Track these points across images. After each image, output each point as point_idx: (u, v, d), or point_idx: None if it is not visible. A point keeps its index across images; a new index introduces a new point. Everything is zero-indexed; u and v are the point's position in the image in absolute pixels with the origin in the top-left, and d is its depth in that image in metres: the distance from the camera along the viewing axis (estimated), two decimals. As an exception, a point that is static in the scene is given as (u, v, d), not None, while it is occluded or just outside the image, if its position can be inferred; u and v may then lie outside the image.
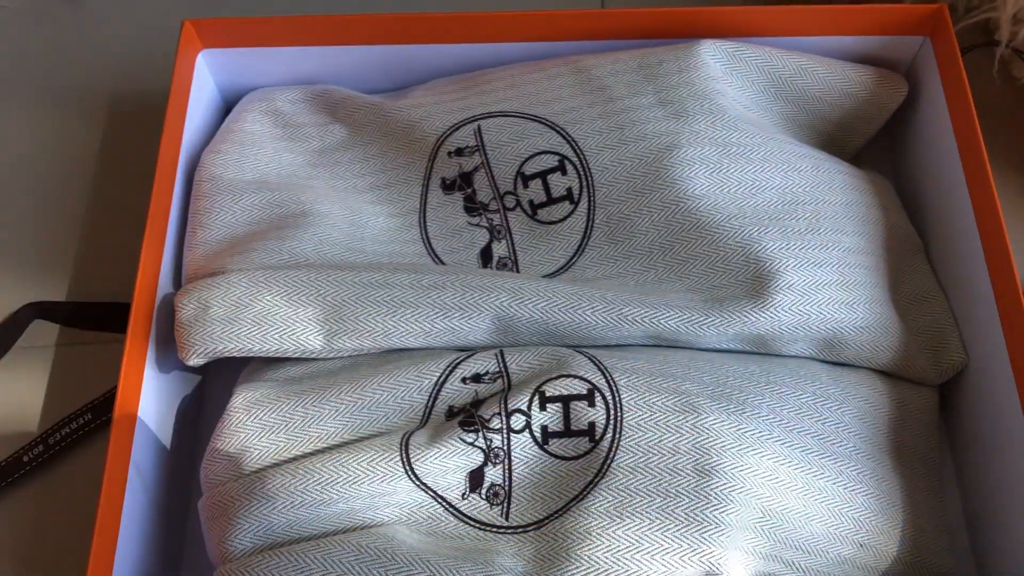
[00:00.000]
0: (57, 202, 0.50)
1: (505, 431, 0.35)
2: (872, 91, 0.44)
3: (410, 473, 0.34)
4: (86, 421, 0.43)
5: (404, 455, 0.34)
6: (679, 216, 0.39)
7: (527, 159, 0.41)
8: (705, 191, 0.39)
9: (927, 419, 0.40)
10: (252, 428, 0.36)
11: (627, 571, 0.33)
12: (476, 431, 0.35)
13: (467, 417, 0.36)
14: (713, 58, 0.42)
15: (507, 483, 0.35)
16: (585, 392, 0.36)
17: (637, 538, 0.33)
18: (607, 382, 0.36)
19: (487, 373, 0.37)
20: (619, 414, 0.35)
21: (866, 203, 0.42)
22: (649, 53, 0.42)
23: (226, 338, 0.37)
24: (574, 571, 0.33)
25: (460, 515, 0.35)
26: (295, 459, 0.35)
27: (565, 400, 0.36)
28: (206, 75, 0.45)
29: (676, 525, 0.33)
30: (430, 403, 0.36)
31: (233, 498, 0.34)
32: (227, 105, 0.48)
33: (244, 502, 0.34)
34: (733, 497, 0.34)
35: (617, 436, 0.35)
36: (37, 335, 0.46)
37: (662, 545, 0.33)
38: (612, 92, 0.41)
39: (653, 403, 0.35)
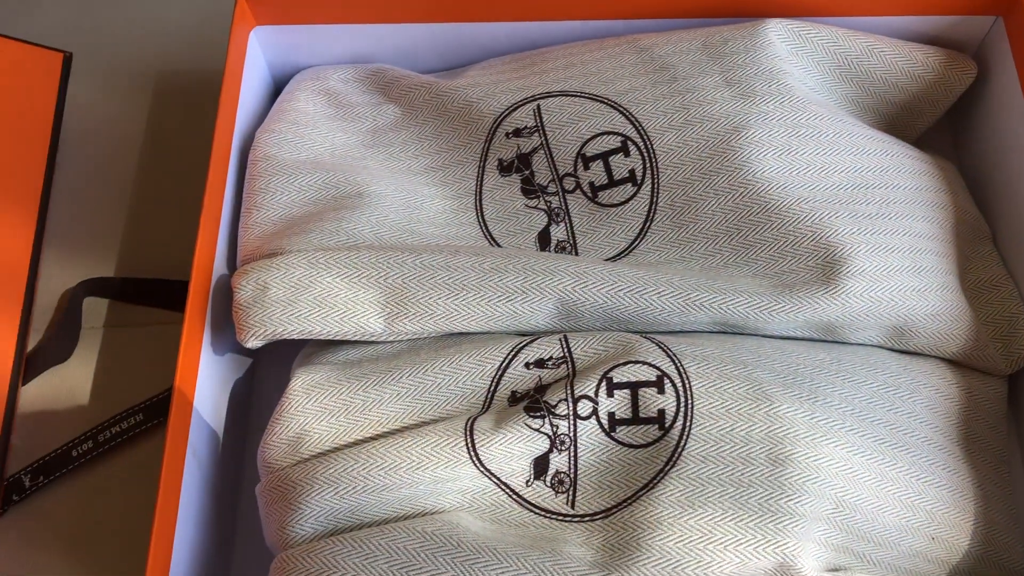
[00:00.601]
0: (105, 181, 0.49)
1: (571, 417, 0.35)
2: (940, 73, 0.43)
3: (474, 458, 0.34)
4: (138, 422, 0.43)
5: (469, 440, 0.34)
6: (747, 199, 0.38)
7: (588, 140, 0.40)
8: (774, 174, 0.38)
9: (996, 410, 0.39)
10: (312, 412, 0.35)
11: (699, 562, 0.32)
12: (542, 417, 0.34)
13: (532, 403, 0.35)
14: (779, 38, 0.41)
15: (573, 470, 0.34)
16: (654, 379, 0.35)
17: (710, 528, 0.32)
18: (676, 369, 0.35)
19: (551, 358, 0.36)
20: (690, 401, 0.34)
21: (935, 188, 0.41)
22: (714, 32, 0.41)
23: (285, 320, 0.36)
24: (645, 561, 0.32)
25: (524, 502, 0.34)
26: (356, 443, 0.35)
27: (633, 387, 0.35)
28: (258, 53, 0.45)
29: (749, 515, 0.32)
30: (492, 388, 0.36)
31: (294, 483, 0.34)
32: (277, 84, 0.47)
33: (305, 487, 0.33)
34: (807, 487, 0.33)
35: (688, 424, 0.34)
36: (87, 316, 0.46)
37: (735, 536, 0.32)
38: (676, 71, 0.40)
39: (724, 390, 0.34)
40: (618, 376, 0.35)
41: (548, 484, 0.34)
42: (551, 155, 0.41)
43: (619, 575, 0.32)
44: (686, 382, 0.35)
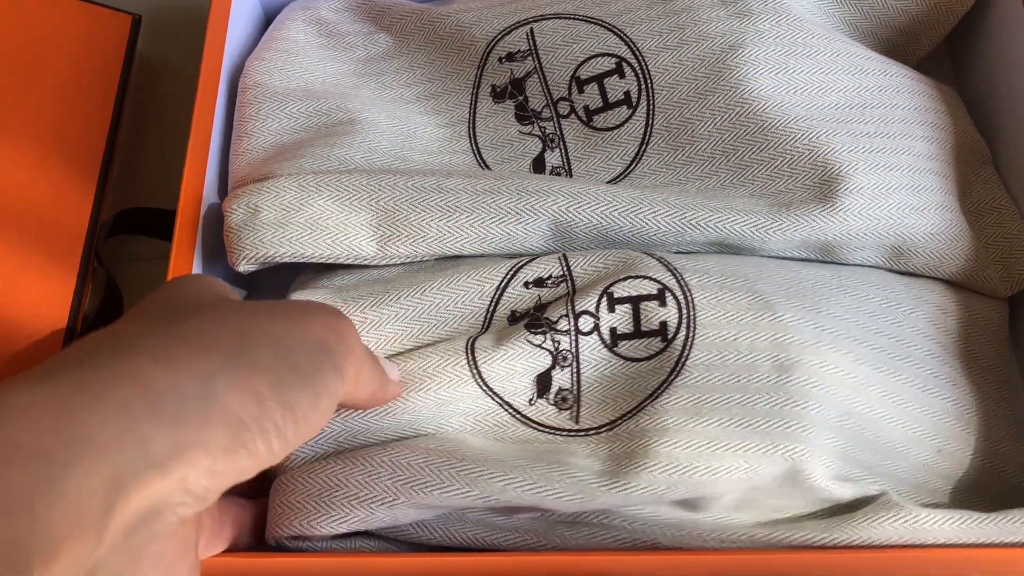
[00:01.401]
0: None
1: (573, 333, 0.34)
2: (939, -6, 0.42)
3: (477, 378, 0.33)
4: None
5: (470, 358, 0.34)
6: (743, 118, 0.37)
7: (582, 62, 0.39)
8: (771, 92, 0.37)
9: (997, 331, 0.39)
10: None
11: (708, 467, 0.31)
12: (543, 333, 0.34)
13: (533, 320, 0.34)
14: (777, -44, 0.40)
15: (575, 387, 0.34)
16: (655, 292, 0.34)
17: (717, 434, 0.32)
18: (677, 282, 0.34)
19: (550, 277, 0.36)
20: (692, 312, 0.34)
21: (935, 109, 0.40)
22: (709, -49, 0.40)
23: (277, 243, 0.35)
24: (652, 468, 0.31)
25: (528, 421, 0.34)
26: None
27: (634, 301, 0.34)
28: (247, -17, 0.44)
29: (757, 420, 0.32)
30: (492, 308, 0.35)
31: None
32: (268, 15, 0.46)
33: None
34: (813, 394, 0.32)
35: (691, 334, 0.33)
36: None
37: (743, 441, 0.32)
38: (671, -10, 0.40)
39: (727, 301, 0.34)
40: (619, 291, 0.35)
41: (551, 402, 0.34)
42: (545, 79, 0.40)
43: (627, 481, 0.31)
44: (687, 294, 0.34)
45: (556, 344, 0.34)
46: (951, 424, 0.35)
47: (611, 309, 0.34)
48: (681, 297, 0.34)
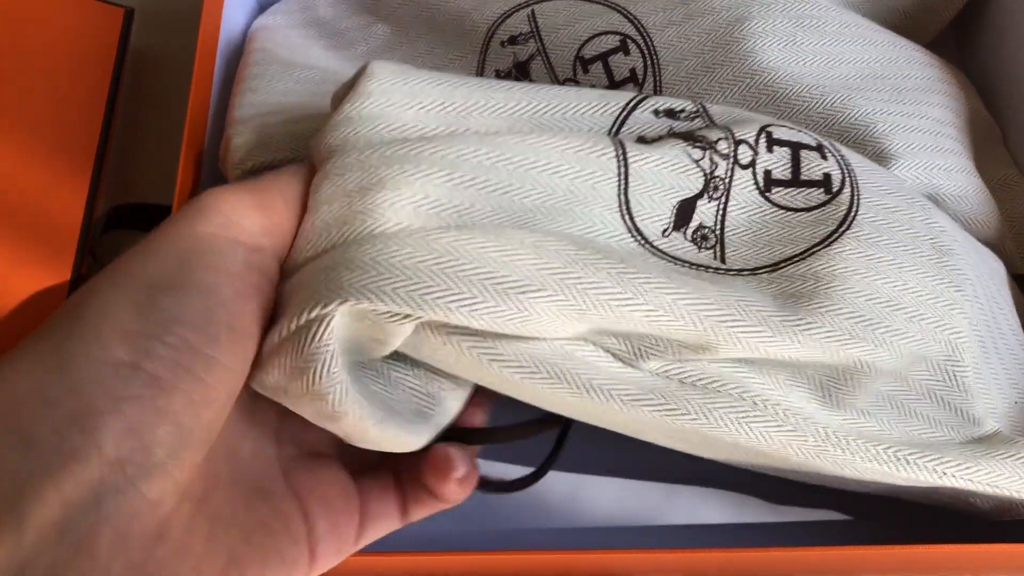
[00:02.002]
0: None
1: (732, 159, 0.31)
2: (944, -24, 0.42)
3: (622, 174, 0.29)
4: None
5: (620, 150, 0.29)
6: (753, 91, 0.37)
7: (586, 41, 0.39)
8: (780, 64, 0.37)
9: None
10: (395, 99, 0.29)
11: (888, 327, 0.28)
12: (703, 149, 0.30)
13: (689, 135, 0.31)
14: (779, -64, 0.40)
15: (719, 225, 0.30)
16: (814, 144, 0.32)
17: (892, 295, 0.29)
18: (830, 144, 0.33)
19: (683, 111, 0.32)
20: (852, 171, 0.32)
21: (947, 80, 0.40)
22: (710, -73, 0.40)
23: (286, 138, 0.33)
24: (835, 311, 0.28)
25: (661, 253, 0.29)
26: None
27: (794, 147, 0.32)
28: (242, -26, 0.43)
29: (926, 292, 0.30)
30: (616, 128, 0.31)
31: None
32: (262, 5, 0.46)
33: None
34: (963, 284, 0.31)
35: (856, 192, 0.31)
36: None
37: (918, 310, 0.29)
38: (675, -34, 0.39)
39: (877, 172, 0.33)
40: (778, 133, 0.32)
41: (689, 238, 0.30)
42: (549, 61, 0.39)
43: (811, 320, 0.28)
44: (844, 156, 0.32)
45: (713, 166, 0.30)
46: None
47: (769, 149, 0.31)
48: (839, 156, 0.32)
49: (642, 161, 0.29)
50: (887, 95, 0.37)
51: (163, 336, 0.22)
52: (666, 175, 0.29)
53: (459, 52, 0.41)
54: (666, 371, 0.28)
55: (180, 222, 0.25)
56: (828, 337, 0.28)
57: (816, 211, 0.31)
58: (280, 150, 0.33)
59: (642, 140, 0.31)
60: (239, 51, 0.43)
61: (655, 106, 0.32)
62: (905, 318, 0.29)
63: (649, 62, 0.38)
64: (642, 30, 0.38)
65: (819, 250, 0.30)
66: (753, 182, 0.31)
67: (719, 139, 0.31)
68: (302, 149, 0.32)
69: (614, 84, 0.38)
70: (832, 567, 0.31)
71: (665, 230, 0.29)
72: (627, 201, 0.29)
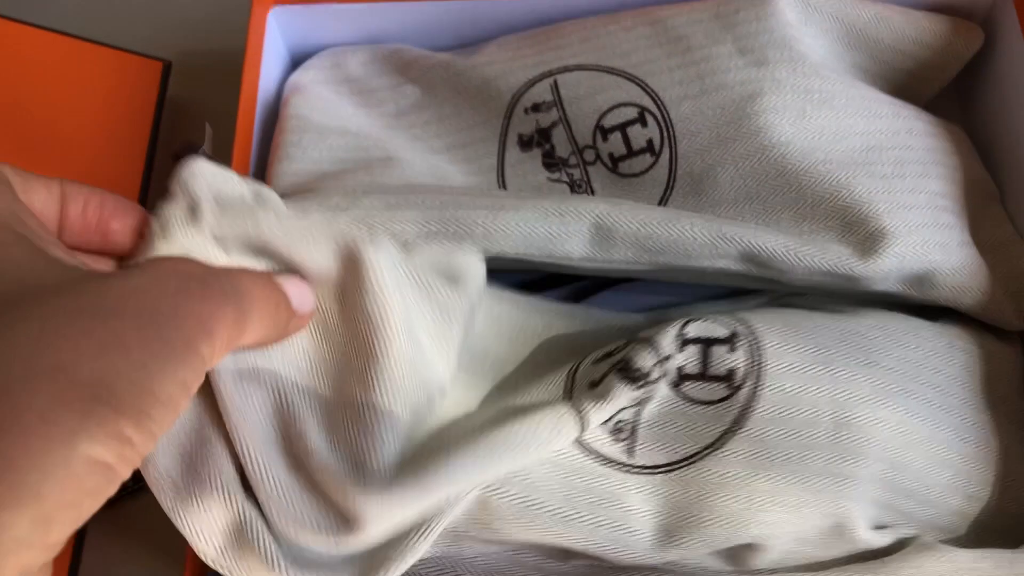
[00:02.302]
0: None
1: (660, 381, 0.35)
2: (947, 40, 0.44)
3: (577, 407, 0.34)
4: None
5: (568, 380, 0.35)
6: (765, 164, 0.39)
7: (606, 112, 0.41)
8: (790, 138, 0.39)
9: (1016, 371, 0.40)
10: None
11: (763, 522, 0.32)
12: (641, 387, 0.34)
13: (626, 372, 0.35)
14: (789, 6, 0.42)
15: (633, 419, 0.34)
16: (726, 336, 0.35)
17: (775, 491, 0.33)
18: (747, 328, 0.35)
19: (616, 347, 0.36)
20: (760, 361, 0.34)
21: (946, 149, 0.42)
22: (724, 2, 0.42)
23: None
24: (710, 523, 0.32)
25: (580, 444, 0.34)
26: None
27: (705, 343, 0.35)
28: (276, 33, 0.45)
29: (813, 478, 0.33)
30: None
31: None
32: (295, 62, 0.48)
33: None
34: (866, 451, 0.34)
35: (757, 384, 0.34)
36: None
37: (799, 498, 0.33)
38: (690, 42, 0.41)
39: (792, 353, 0.35)
40: (692, 331, 0.35)
41: (608, 431, 0.34)
42: (570, 128, 0.41)
43: (684, 536, 0.32)
44: (757, 341, 0.35)
45: (648, 392, 0.34)
46: (982, 470, 0.36)
47: (681, 348, 0.35)
48: (752, 344, 0.35)
49: (595, 412, 0.33)
50: (890, 169, 0.39)
51: None
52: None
53: (484, 116, 0.43)
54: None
55: None
56: (701, 545, 0.32)
57: (716, 406, 0.34)
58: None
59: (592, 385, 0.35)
60: (273, 103, 0.45)
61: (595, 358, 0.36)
62: (784, 510, 0.32)
63: (666, 134, 0.40)
64: (659, 103, 0.40)
65: (709, 453, 0.33)
66: (666, 379, 0.34)
67: (651, 367, 0.34)
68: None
69: (632, 153, 0.41)
70: None
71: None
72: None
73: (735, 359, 0.34)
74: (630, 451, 0.34)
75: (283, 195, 0.38)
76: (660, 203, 0.40)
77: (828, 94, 0.40)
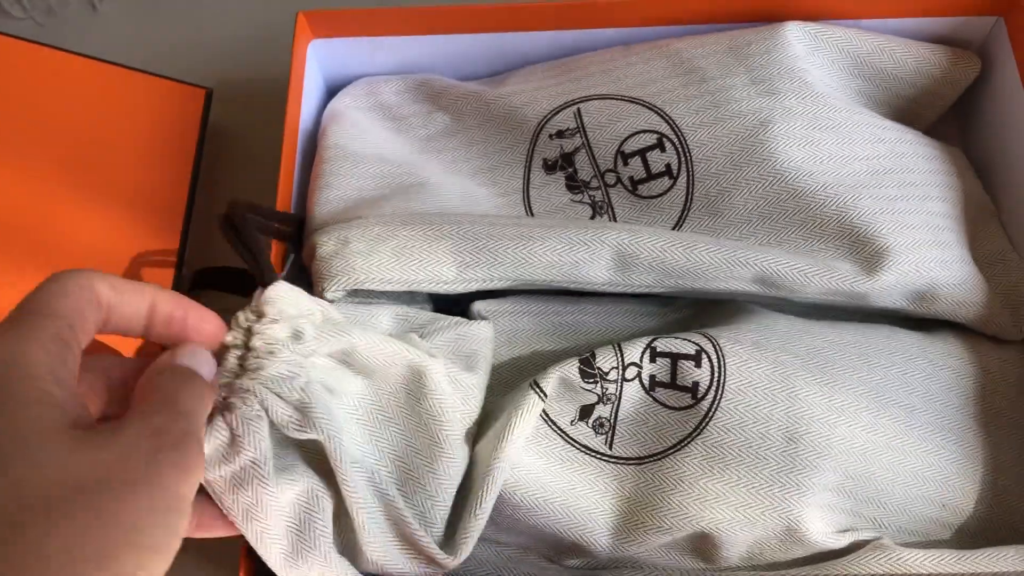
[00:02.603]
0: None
1: (620, 381, 0.39)
2: (946, 69, 0.46)
3: (537, 389, 0.38)
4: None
5: (535, 385, 0.39)
6: (775, 188, 0.41)
7: (626, 138, 0.44)
8: (799, 163, 0.42)
9: (1016, 383, 0.43)
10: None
11: (712, 518, 0.37)
12: (595, 381, 0.39)
13: (586, 365, 0.39)
14: (797, 39, 0.45)
15: (613, 418, 0.39)
16: (693, 353, 0.39)
17: (724, 491, 0.37)
18: (714, 347, 0.39)
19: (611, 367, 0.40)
20: (722, 378, 0.38)
21: (946, 171, 0.45)
22: (737, 35, 0.45)
23: (366, 268, 0.39)
24: (665, 512, 0.37)
25: (568, 437, 0.39)
26: None
27: (674, 357, 0.39)
28: (314, 64, 0.48)
29: (761, 484, 0.37)
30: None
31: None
32: (331, 92, 0.51)
33: None
34: (818, 464, 0.37)
35: (718, 397, 0.38)
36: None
37: (746, 500, 0.37)
38: (705, 73, 0.44)
39: (754, 371, 0.38)
40: (661, 346, 0.39)
41: (590, 426, 0.39)
42: (592, 153, 0.44)
43: (644, 519, 0.37)
44: (721, 359, 0.38)
45: (604, 389, 0.39)
46: (957, 482, 0.39)
47: (652, 360, 0.39)
48: (716, 362, 0.38)
49: (546, 383, 0.39)
50: (893, 191, 0.42)
51: None
52: (565, 395, 0.39)
53: (511, 142, 0.46)
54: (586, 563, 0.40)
55: None
56: (657, 531, 0.37)
57: (682, 412, 0.38)
58: (361, 271, 0.39)
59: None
60: (311, 131, 0.48)
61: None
62: (732, 510, 0.36)
63: (683, 159, 0.43)
64: (677, 130, 0.43)
65: (671, 453, 0.38)
66: (640, 385, 0.39)
67: (611, 369, 0.39)
68: (374, 270, 0.39)
69: (651, 176, 0.43)
70: None
71: (572, 421, 0.39)
72: (543, 410, 0.39)
73: (700, 374, 0.38)
74: (609, 443, 0.39)
75: (324, 223, 0.41)
76: (678, 223, 0.43)
77: (835, 121, 0.43)
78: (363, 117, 0.47)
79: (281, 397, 0.32)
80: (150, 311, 0.29)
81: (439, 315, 0.40)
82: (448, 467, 0.36)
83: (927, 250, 0.41)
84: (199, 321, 0.31)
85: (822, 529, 0.37)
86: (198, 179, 0.51)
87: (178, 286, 0.49)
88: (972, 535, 0.40)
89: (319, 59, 0.49)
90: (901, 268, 0.40)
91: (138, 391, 0.28)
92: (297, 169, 0.45)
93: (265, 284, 0.34)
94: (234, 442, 0.31)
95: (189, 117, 0.52)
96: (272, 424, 0.32)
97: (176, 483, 0.25)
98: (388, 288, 0.39)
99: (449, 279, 0.40)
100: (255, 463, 0.31)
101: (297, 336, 0.33)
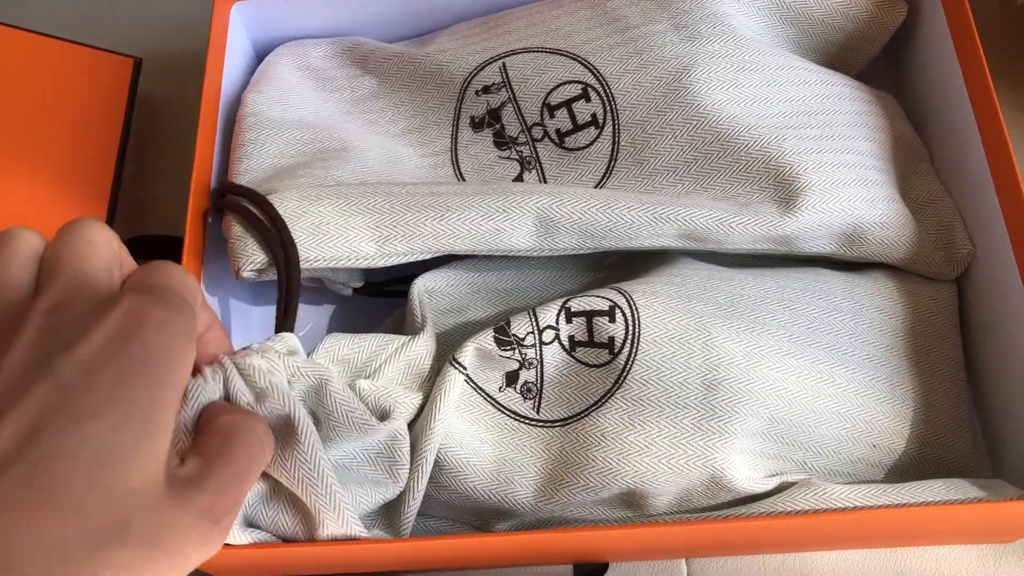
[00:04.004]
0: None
1: (538, 346, 0.39)
2: (872, 13, 0.46)
3: (458, 365, 0.38)
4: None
5: (454, 359, 0.38)
6: (700, 131, 0.41)
7: (552, 90, 0.43)
8: (722, 106, 0.41)
9: (947, 321, 0.43)
10: None
11: (636, 472, 0.36)
12: (512, 348, 0.39)
13: (501, 334, 0.39)
14: (722, -15, 0.44)
15: (539, 382, 0.39)
16: (607, 309, 0.38)
17: (646, 444, 0.36)
18: (627, 301, 0.39)
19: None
20: (637, 330, 0.38)
21: (874, 113, 0.44)
22: (661, -17, 0.45)
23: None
24: (590, 470, 0.37)
25: (497, 404, 0.39)
26: None
27: (588, 315, 0.38)
28: (240, 27, 0.48)
29: (682, 433, 0.37)
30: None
31: None
32: (259, 56, 0.50)
33: None
34: (739, 409, 0.37)
35: (634, 351, 0.38)
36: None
37: (668, 451, 0.36)
38: (629, 21, 0.44)
39: (668, 322, 0.38)
40: (575, 306, 0.39)
41: (518, 391, 0.39)
42: (519, 107, 0.44)
43: (569, 478, 0.37)
44: (635, 313, 0.38)
45: (523, 355, 0.39)
46: (886, 421, 0.39)
47: (568, 320, 0.39)
48: (629, 315, 0.38)
49: (465, 356, 0.39)
50: (818, 131, 0.42)
51: None
52: (487, 363, 0.39)
53: (438, 101, 0.45)
54: None
55: None
56: (583, 490, 0.37)
57: (601, 368, 0.38)
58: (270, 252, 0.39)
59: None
60: (238, 98, 0.47)
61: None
62: (655, 461, 0.36)
63: (608, 108, 0.43)
64: (601, 79, 0.43)
65: (593, 410, 0.38)
66: (560, 347, 0.38)
67: (527, 334, 0.38)
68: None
69: (577, 127, 0.43)
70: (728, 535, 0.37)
71: (500, 388, 0.39)
72: (469, 376, 0.39)
73: (614, 329, 0.38)
74: (537, 408, 0.39)
75: (245, 191, 0.41)
76: (606, 173, 0.43)
77: (759, 64, 0.43)
78: (290, 76, 0.47)
79: (246, 381, 0.31)
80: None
81: (375, 342, 0.39)
82: (427, 443, 0.37)
83: (850, 188, 0.41)
84: (220, 344, 0.32)
85: (748, 475, 0.37)
86: (126, 151, 0.51)
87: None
88: (903, 474, 0.40)
89: (246, 23, 0.48)
90: (823, 207, 0.40)
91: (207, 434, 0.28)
92: (219, 139, 0.44)
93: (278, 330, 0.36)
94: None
95: (117, 88, 0.51)
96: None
97: (185, 568, 0.25)
98: (307, 266, 0.39)
99: (369, 255, 0.39)
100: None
101: (292, 352, 0.34)
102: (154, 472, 0.24)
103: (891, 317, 0.42)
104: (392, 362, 0.38)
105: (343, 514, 0.33)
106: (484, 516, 0.40)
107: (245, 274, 0.39)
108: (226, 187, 0.41)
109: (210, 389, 0.30)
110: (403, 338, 0.39)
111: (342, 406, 0.34)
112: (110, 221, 0.49)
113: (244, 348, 0.32)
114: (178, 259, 0.40)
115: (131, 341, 0.24)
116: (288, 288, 0.37)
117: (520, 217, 0.39)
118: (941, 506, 0.35)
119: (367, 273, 0.44)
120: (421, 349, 0.39)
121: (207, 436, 0.28)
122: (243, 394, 0.31)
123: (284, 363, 0.33)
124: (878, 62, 0.50)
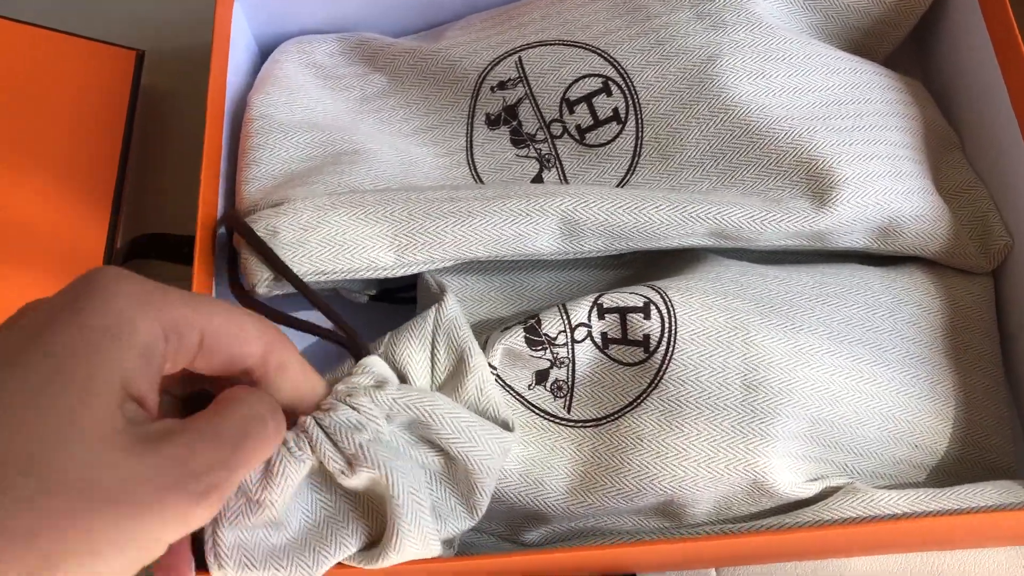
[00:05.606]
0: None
1: (570, 344, 0.37)
2: (898, -4, 0.45)
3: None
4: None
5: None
6: (727, 124, 0.40)
7: (570, 84, 0.41)
8: (750, 97, 0.40)
9: (985, 315, 0.41)
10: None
11: (674, 477, 0.35)
12: (543, 348, 0.37)
13: (531, 334, 0.37)
14: (744, -29, 0.43)
15: (570, 380, 0.37)
16: (641, 305, 0.37)
17: (685, 447, 0.35)
18: (662, 298, 0.37)
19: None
20: (673, 328, 0.36)
21: (905, 101, 0.43)
22: (680, -29, 0.43)
23: (298, 261, 0.37)
24: (625, 473, 0.35)
25: (527, 403, 0.37)
26: None
27: (622, 311, 0.37)
28: (243, 22, 0.46)
29: (722, 436, 0.35)
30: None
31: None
32: (263, 52, 0.48)
33: None
34: (780, 410, 0.35)
35: (671, 349, 0.36)
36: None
37: (708, 454, 0.35)
38: (649, 11, 0.42)
39: (705, 319, 0.36)
40: (608, 302, 0.37)
41: (548, 389, 0.37)
42: (536, 103, 0.42)
43: (603, 481, 0.35)
44: (671, 310, 0.36)
45: (555, 354, 0.37)
46: (928, 420, 0.38)
47: (601, 317, 0.37)
48: (665, 312, 0.36)
49: (494, 355, 0.37)
50: (850, 122, 0.40)
51: None
52: (517, 362, 0.37)
53: (451, 98, 0.43)
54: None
55: None
56: (618, 495, 0.35)
57: (636, 367, 0.36)
58: (293, 264, 0.37)
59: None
60: (243, 93, 0.45)
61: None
62: (694, 466, 0.35)
63: (630, 102, 0.41)
64: (622, 72, 0.41)
65: (628, 411, 0.36)
66: (592, 344, 0.37)
67: (558, 333, 0.37)
68: (307, 262, 0.37)
69: (599, 123, 0.41)
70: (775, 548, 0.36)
71: (530, 385, 0.37)
72: (497, 374, 0.37)
73: (650, 326, 0.36)
74: (568, 407, 0.37)
75: (254, 203, 0.39)
76: (629, 169, 0.41)
77: (786, 53, 0.41)
78: (296, 74, 0.45)
79: (337, 447, 0.30)
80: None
81: (436, 396, 0.35)
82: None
83: (885, 181, 0.39)
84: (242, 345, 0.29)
85: (790, 480, 0.35)
86: (130, 146, 0.49)
87: (111, 256, 0.47)
88: (947, 475, 0.38)
89: (248, 16, 0.46)
90: (858, 200, 0.38)
91: (212, 406, 0.27)
92: (226, 140, 0.43)
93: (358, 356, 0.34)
94: (265, 478, 0.30)
95: (120, 80, 0.50)
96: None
97: (162, 529, 0.24)
98: (324, 279, 0.37)
99: (388, 265, 0.38)
100: (271, 504, 0.30)
101: (380, 385, 0.32)
102: (101, 424, 0.23)
103: (929, 312, 0.40)
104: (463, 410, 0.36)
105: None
106: (514, 524, 0.38)
107: (260, 290, 0.37)
108: (227, 218, 0.39)
109: (296, 462, 0.30)
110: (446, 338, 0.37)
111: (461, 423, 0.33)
112: (114, 221, 0.48)
113: (330, 390, 0.31)
114: (180, 258, 0.39)
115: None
116: (325, 309, 0.36)
117: (544, 220, 0.38)
118: (991, 513, 0.34)
119: (382, 280, 0.43)
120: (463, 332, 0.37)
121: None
122: (335, 461, 0.30)
123: (376, 400, 0.31)
124: (904, 47, 0.48)
